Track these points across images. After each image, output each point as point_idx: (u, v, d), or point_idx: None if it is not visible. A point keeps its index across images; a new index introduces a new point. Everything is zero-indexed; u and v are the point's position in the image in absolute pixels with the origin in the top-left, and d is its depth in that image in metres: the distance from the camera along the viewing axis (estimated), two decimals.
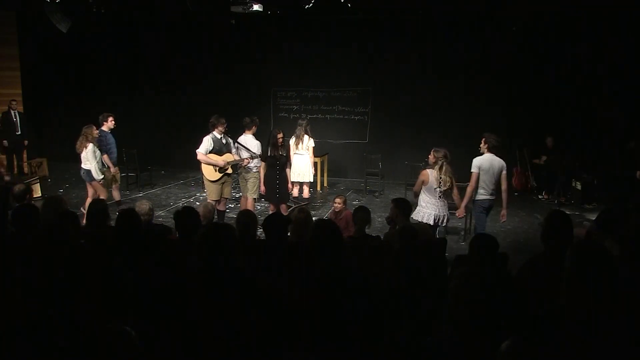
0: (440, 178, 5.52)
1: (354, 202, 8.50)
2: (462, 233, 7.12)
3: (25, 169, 10.30)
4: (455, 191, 5.68)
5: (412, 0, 9.04)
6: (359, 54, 10.50)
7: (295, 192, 8.35)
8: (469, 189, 5.86)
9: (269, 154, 6.61)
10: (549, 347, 1.88)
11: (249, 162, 6.73)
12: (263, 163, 6.74)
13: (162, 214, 7.86)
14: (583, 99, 9.32)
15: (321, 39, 10.46)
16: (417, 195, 5.69)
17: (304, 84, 11.18)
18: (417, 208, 5.63)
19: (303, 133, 8.44)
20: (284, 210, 6.76)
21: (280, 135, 6.59)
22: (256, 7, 8.12)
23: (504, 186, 5.93)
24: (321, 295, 2.65)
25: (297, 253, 3.33)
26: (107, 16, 9.44)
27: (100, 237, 3.80)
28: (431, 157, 5.71)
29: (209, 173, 6.53)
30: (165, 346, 2.30)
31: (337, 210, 5.47)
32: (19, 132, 10.27)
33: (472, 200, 5.92)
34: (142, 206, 4.55)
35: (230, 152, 6.69)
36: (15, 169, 10.34)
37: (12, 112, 10.15)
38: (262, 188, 6.72)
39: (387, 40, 10.21)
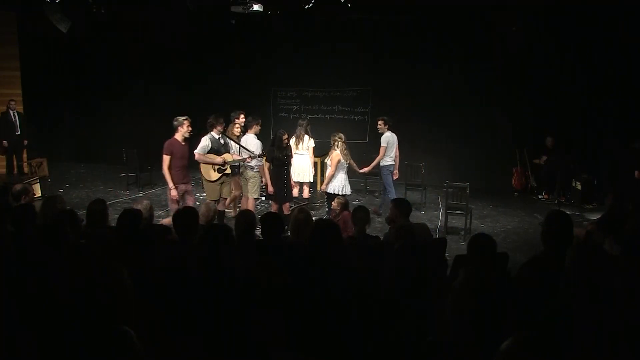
0: (345, 154, 7.06)
1: (354, 202, 8.50)
2: (462, 233, 7.12)
3: (25, 169, 10.30)
4: (351, 162, 7.31)
5: (412, 0, 9.04)
6: (359, 54, 10.50)
7: (295, 192, 8.34)
8: (378, 157, 7.91)
9: (275, 155, 6.64)
10: (549, 347, 1.88)
11: (249, 161, 6.75)
12: (267, 163, 6.76)
13: (162, 214, 7.86)
14: (584, 99, 9.31)
15: (321, 39, 10.45)
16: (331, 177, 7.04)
17: (304, 84, 11.18)
18: (332, 184, 7.04)
19: (303, 133, 8.42)
20: (286, 209, 6.80)
21: (285, 137, 6.72)
22: (256, 7, 8.12)
23: (397, 153, 8.11)
24: (320, 295, 2.64)
25: (296, 252, 3.32)
26: (107, 16, 9.44)
27: (100, 236, 3.80)
28: (333, 140, 7.12)
29: (208, 173, 6.52)
30: (164, 346, 2.29)
31: (336, 210, 5.47)
32: (19, 132, 10.26)
33: (379, 165, 7.97)
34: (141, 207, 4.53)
35: (229, 152, 6.69)
36: (15, 169, 10.34)
37: (11, 112, 10.15)
38: (270, 188, 6.76)
39: (387, 40, 10.21)
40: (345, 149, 7.09)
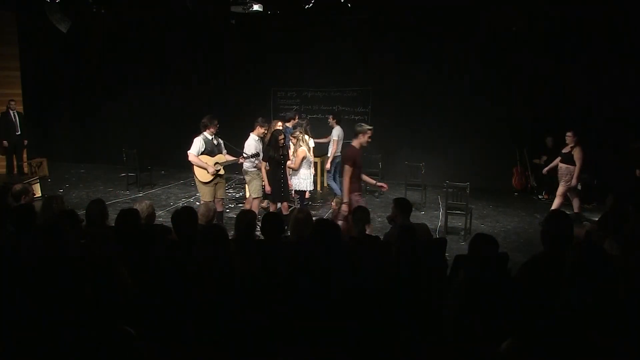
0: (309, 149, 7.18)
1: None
2: (462, 233, 7.12)
3: (25, 169, 10.31)
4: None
5: (412, 0, 9.04)
6: (359, 54, 10.50)
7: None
8: (333, 151, 8.54)
9: (271, 154, 6.65)
10: (549, 347, 1.87)
11: (241, 162, 6.78)
12: (265, 163, 6.77)
13: (162, 213, 7.87)
14: (584, 99, 9.31)
15: (321, 39, 10.46)
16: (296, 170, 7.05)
17: (304, 84, 11.18)
18: (298, 181, 7.06)
19: (303, 133, 8.43)
20: (285, 208, 6.80)
21: (281, 137, 6.71)
22: (256, 7, 8.12)
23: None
24: (319, 295, 2.64)
25: (296, 252, 3.32)
26: (107, 16, 9.44)
27: (100, 236, 3.80)
28: (297, 137, 7.19)
29: (201, 175, 6.51)
30: (163, 346, 2.29)
31: (336, 210, 5.47)
32: (19, 132, 10.27)
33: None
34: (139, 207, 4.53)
35: (222, 153, 6.71)
36: (15, 169, 10.34)
37: (11, 112, 10.16)
38: (268, 188, 6.77)
39: (387, 40, 10.21)
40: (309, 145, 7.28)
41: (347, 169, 5.48)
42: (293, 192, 7.27)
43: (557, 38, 9.24)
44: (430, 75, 10.10)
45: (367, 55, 10.48)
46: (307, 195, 8.51)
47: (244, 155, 6.75)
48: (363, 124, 5.82)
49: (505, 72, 9.76)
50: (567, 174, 7.71)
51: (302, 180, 7.09)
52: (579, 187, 8.94)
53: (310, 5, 7.84)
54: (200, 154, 6.47)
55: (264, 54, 10.87)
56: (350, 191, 5.48)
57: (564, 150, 7.82)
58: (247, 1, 7.99)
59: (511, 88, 9.82)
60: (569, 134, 7.75)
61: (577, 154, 7.59)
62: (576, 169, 7.59)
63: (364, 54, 10.47)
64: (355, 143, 5.69)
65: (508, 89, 9.85)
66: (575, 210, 7.90)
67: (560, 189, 7.77)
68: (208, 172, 6.47)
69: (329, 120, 8.89)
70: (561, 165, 7.83)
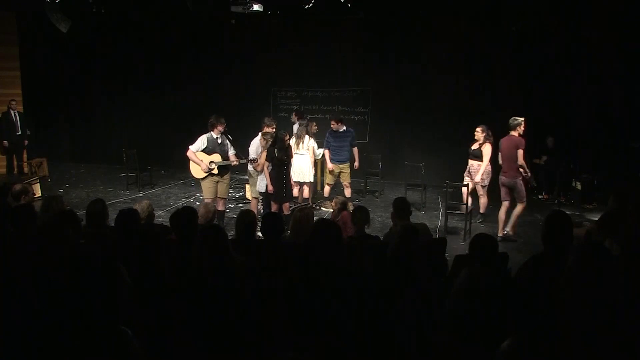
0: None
1: (354, 202, 8.49)
2: (462, 233, 7.12)
3: (25, 169, 10.31)
4: None
5: (411, 0, 9.04)
6: (359, 54, 10.50)
7: (295, 192, 8.35)
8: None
9: (275, 155, 6.66)
10: (549, 347, 1.87)
11: (237, 164, 6.87)
12: (267, 163, 6.79)
13: (162, 214, 7.87)
14: (584, 99, 9.31)
15: (321, 39, 10.45)
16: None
17: (304, 84, 11.18)
18: (262, 182, 6.83)
19: (304, 133, 8.43)
20: (286, 209, 6.80)
21: (287, 137, 6.77)
22: (256, 7, 8.13)
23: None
24: (319, 295, 2.64)
25: (295, 252, 3.32)
26: (107, 16, 9.44)
27: (100, 236, 3.80)
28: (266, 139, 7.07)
29: (196, 171, 6.69)
30: (162, 345, 2.29)
31: (333, 211, 5.47)
32: (19, 132, 10.27)
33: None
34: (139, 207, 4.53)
35: (227, 153, 6.76)
36: (15, 169, 10.34)
37: (12, 112, 10.16)
38: (270, 187, 6.79)
39: (386, 40, 10.21)
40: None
41: (522, 153, 6.72)
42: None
43: (557, 38, 9.24)
44: (430, 75, 10.09)
45: (367, 55, 10.47)
46: (307, 194, 8.53)
47: (240, 157, 6.85)
48: (517, 117, 6.77)
49: (505, 72, 9.75)
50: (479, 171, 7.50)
51: (262, 181, 6.90)
52: (579, 186, 8.95)
53: (310, 5, 7.84)
54: (199, 152, 6.62)
55: (264, 54, 10.87)
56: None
57: (473, 147, 7.62)
58: (247, 1, 8.00)
59: (511, 88, 9.81)
60: (478, 129, 7.56)
61: (486, 150, 7.45)
62: (482, 165, 7.42)
63: (364, 54, 10.46)
64: (515, 133, 6.73)
65: (508, 89, 9.84)
66: (481, 211, 7.77)
67: (479, 189, 7.57)
68: (201, 169, 6.60)
69: (292, 118, 9.03)
70: (472, 162, 7.65)
